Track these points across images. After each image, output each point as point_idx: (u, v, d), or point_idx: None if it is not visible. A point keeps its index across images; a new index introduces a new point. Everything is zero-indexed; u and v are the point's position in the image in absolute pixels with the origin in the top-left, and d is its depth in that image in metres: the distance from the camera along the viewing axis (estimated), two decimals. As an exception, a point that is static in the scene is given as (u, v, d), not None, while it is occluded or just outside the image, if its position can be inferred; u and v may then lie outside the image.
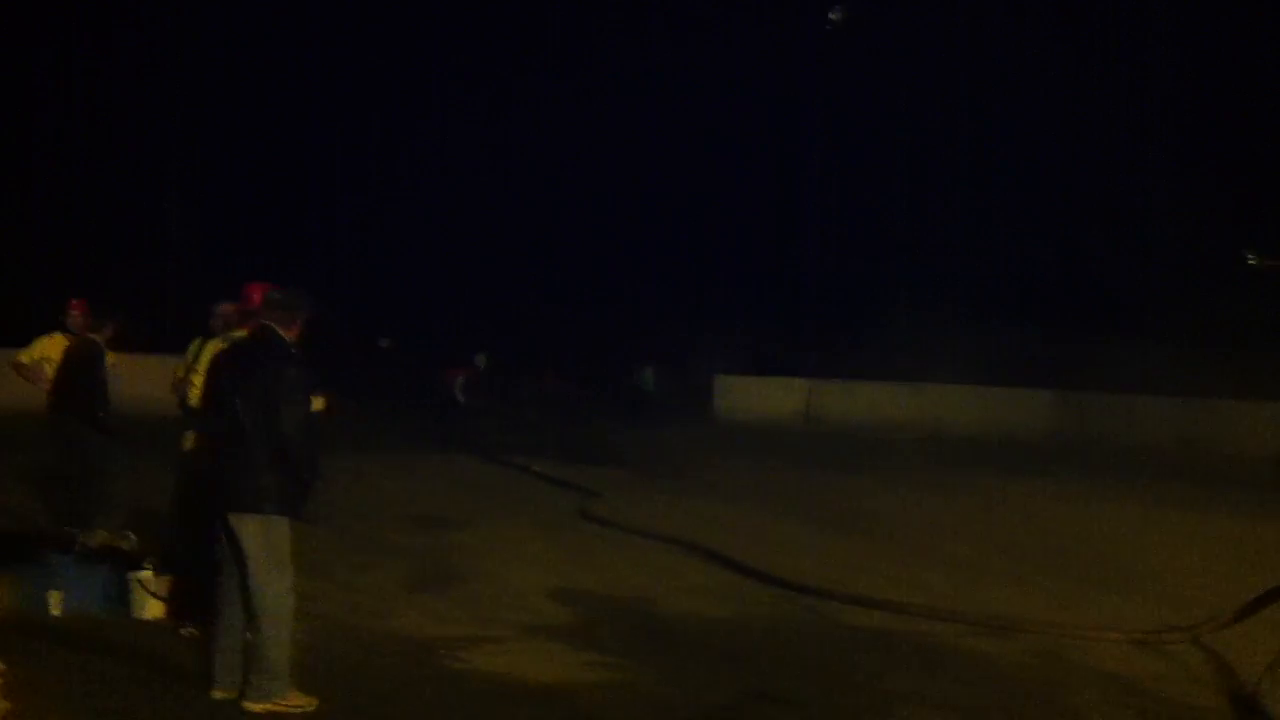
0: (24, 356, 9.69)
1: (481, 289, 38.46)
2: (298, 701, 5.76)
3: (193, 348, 7.74)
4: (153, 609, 7.39)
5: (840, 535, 11.95)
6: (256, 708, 5.70)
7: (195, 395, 7.29)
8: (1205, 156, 28.52)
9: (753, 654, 7.34)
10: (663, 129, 38.21)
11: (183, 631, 7.05)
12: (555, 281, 38.95)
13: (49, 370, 9.57)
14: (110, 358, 9.74)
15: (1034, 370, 26.28)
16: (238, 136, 35.72)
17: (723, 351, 31.71)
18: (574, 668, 6.81)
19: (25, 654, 6.27)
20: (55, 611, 7.35)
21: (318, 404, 7.30)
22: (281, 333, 6.00)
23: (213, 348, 7.44)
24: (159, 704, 5.81)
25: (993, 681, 6.97)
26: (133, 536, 8.32)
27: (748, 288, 36.11)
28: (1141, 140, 29.80)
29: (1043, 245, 30.56)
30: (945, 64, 33.77)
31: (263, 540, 5.76)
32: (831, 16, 30.68)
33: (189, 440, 7.46)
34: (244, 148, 36.00)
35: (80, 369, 9.51)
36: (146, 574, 7.46)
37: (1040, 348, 26.71)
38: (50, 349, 9.67)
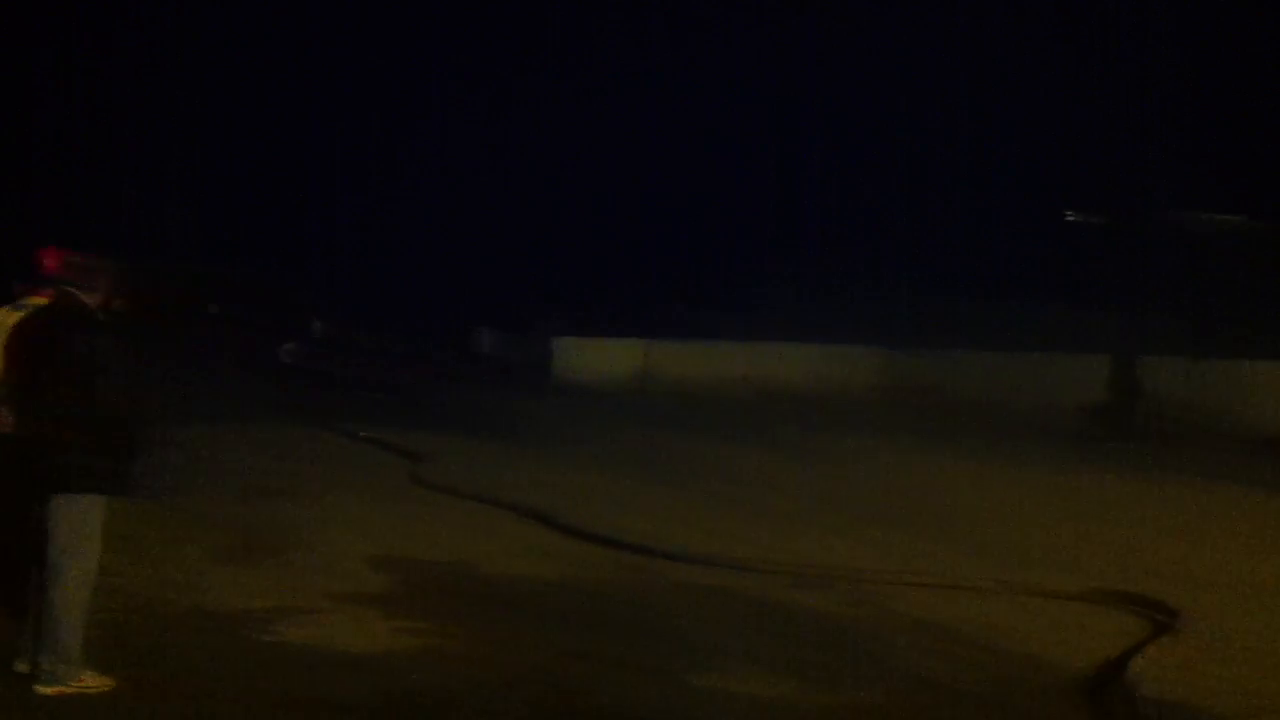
0: None
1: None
2: (92, 683, 5.49)
3: None
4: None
5: (672, 493, 12.02)
6: (48, 691, 5.41)
7: None
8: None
9: (573, 614, 7.30)
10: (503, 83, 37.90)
11: None
12: (395, 246, 38.39)
13: None
14: None
15: (864, 328, 26.82)
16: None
17: (561, 314, 31.67)
18: (387, 635, 6.67)
19: None
20: None
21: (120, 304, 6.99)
22: (84, 299, 5.66)
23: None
24: None
25: (809, 632, 7.08)
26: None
27: (587, 249, 36.05)
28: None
29: (881, 201, 31.10)
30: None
31: (68, 520, 5.48)
32: None
33: None
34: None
35: None
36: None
37: (869, 305, 27.25)
38: None
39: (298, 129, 39.94)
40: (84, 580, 5.50)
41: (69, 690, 5.42)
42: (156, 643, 6.36)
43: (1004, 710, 5.93)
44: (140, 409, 5.63)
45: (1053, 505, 11.90)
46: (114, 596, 6.87)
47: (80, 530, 5.47)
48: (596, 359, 29.12)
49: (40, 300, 6.86)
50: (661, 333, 29.67)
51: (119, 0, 33.40)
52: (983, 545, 9.76)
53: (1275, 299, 20.78)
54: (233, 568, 8.20)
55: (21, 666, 5.55)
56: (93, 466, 5.43)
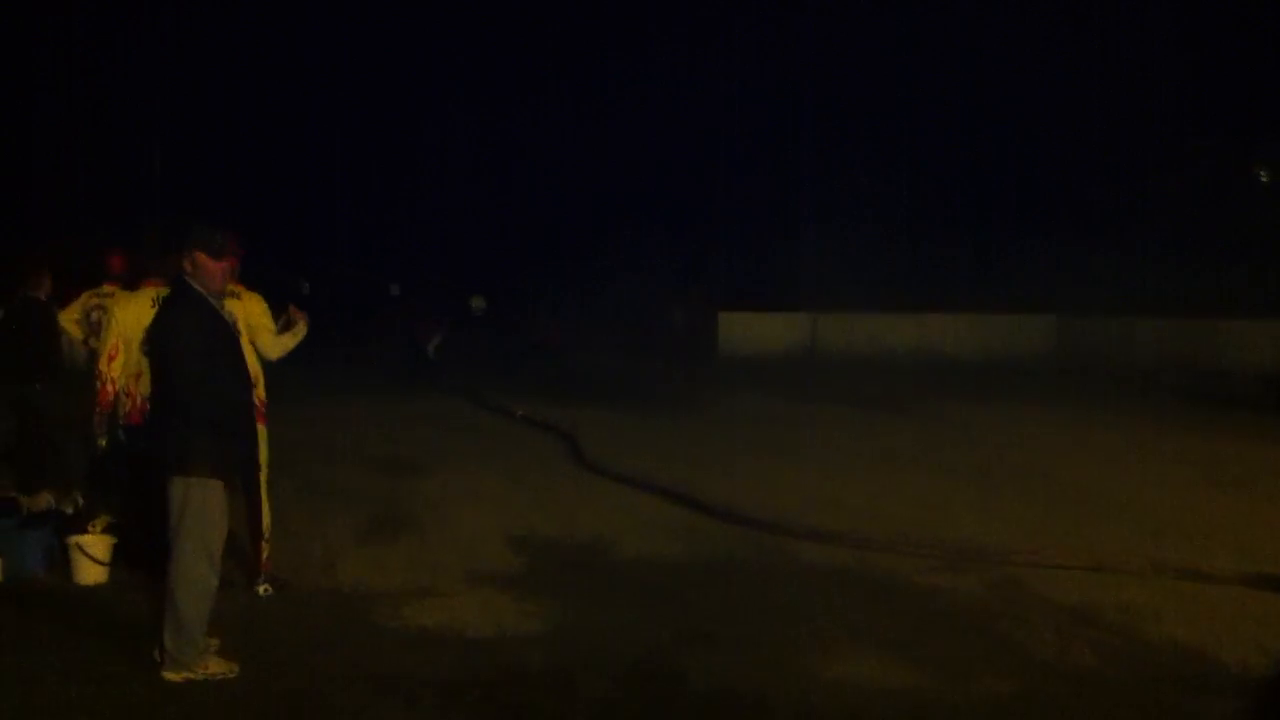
0: None
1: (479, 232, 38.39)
2: (216, 669, 5.61)
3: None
4: (93, 573, 7.29)
5: (821, 470, 11.73)
6: (174, 677, 5.55)
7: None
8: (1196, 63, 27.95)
9: (702, 595, 7.17)
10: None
11: (259, 590, 6.98)
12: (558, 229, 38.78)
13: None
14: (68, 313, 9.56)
15: (1032, 293, 26.01)
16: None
17: (725, 288, 31.47)
18: (513, 617, 6.66)
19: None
20: (-3, 577, 7.27)
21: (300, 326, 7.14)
22: (185, 278, 5.70)
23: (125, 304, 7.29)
24: (87, 668, 5.69)
25: (940, 617, 6.79)
26: (80, 499, 8.18)
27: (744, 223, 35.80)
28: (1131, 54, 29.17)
29: (1036, 160, 30.12)
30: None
31: (181, 502, 5.58)
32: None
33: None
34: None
35: (26, 330, 9.36)
36: (88, 538, 7.35)
37: (1038, 269, 26.40)
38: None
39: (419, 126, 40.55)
40: (199, 561, 5.58)
41: (194, 677, 5.53)
42: (288, 623, 6.50)
43: (1153, 706, 5.54)
44: (245, 393, 5.67)
45: (1219, 481, 11.21)
46: (254, 577, 7.07)
47: (189, 510, 5.56)
48: (762, 332, 28.85)
49: (150, 289, 7.09)
50: (827, 304, 29.21)
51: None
52: (1138, 523, 9.24)
53: None
54: (372, 546, 8.34)
55: (157, 654, 5.70)
56: (199, 448, 5.51)
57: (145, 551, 7.29)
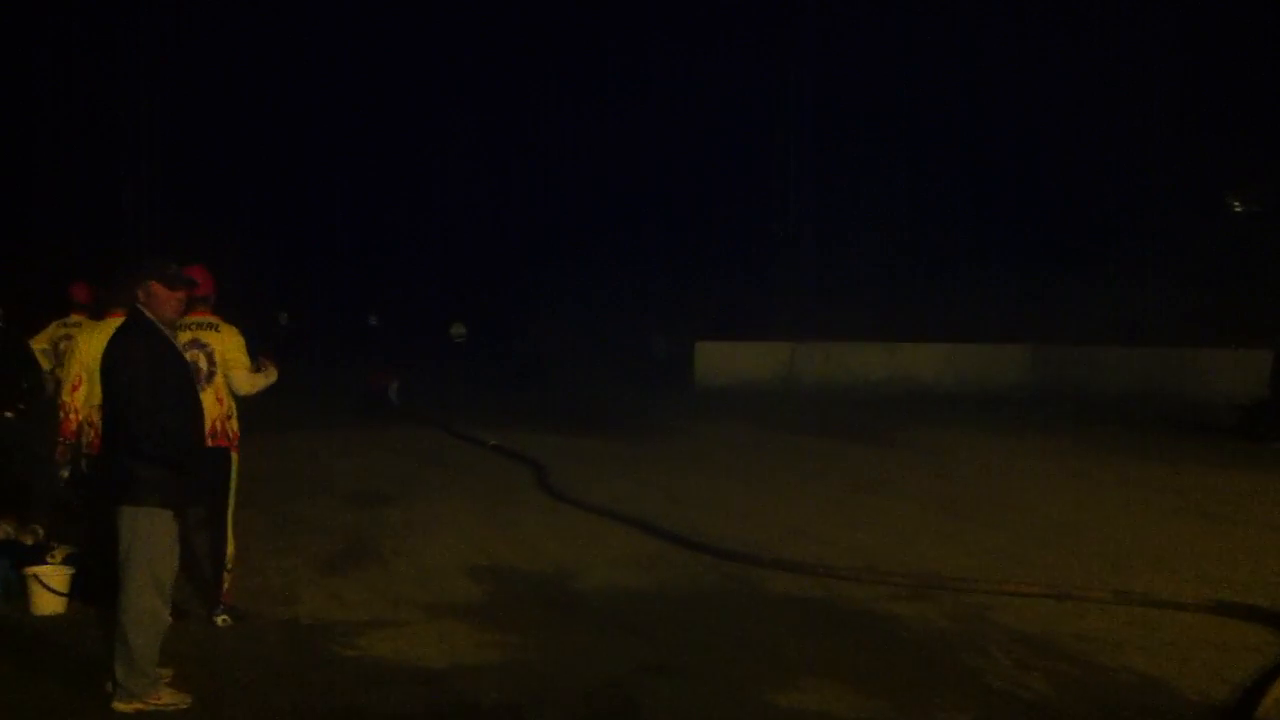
0: None
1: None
2: (168, 699, 5.57)
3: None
4: (51, 604, 7.23)
5: (790, 499, 11.77)
6: (125, 708, 5.51)
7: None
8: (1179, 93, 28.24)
9: (662, 626, 7.14)
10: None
11: (217, 620, 6.96)
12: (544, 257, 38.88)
13: None
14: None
15: (1005, 322, 26.15)
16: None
17: (704, 317, 31.50)
18: (471, 648, 6.63)
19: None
20: (-47, 608, 7.21)
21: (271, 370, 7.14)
22: (137, 309, 5.71)
23: (88, 335, 7.31)
24: (40, 701, 5.67)
25: (900, 646, 6.78)
26: (40, 530, 8.13)
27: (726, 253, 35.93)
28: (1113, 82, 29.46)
29: (1011, 191, 30.36)
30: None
31: (129, 532, 5.56)
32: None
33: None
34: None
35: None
36: (45, 569, 7.31)
37: (1010, 298, 26.56)
38: None
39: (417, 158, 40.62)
40: (148, 591, 5.55)
41: (145, 708, 5.49)
42: (244, 654, 6.46)
43: (1107, 736, 5.54)
44: (180, 420, 5.63)
45: (1185, 509, 11.25)
46: (212, 608, 7.03)
47: (137, 541, 5.53)
48: (739, 361, 28.84)
49: (114, 319, 7.09)
50: (805, 334, 29.25)
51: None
52: (1103, 551, 9.26)
53: None
54: (334, 577, 8.30)
55: (111, 686, 5.65)
56: (146, 478, 5.49)
57: (105, 583, 7.26)
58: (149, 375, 5.54)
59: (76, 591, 7.28)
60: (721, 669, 6.28)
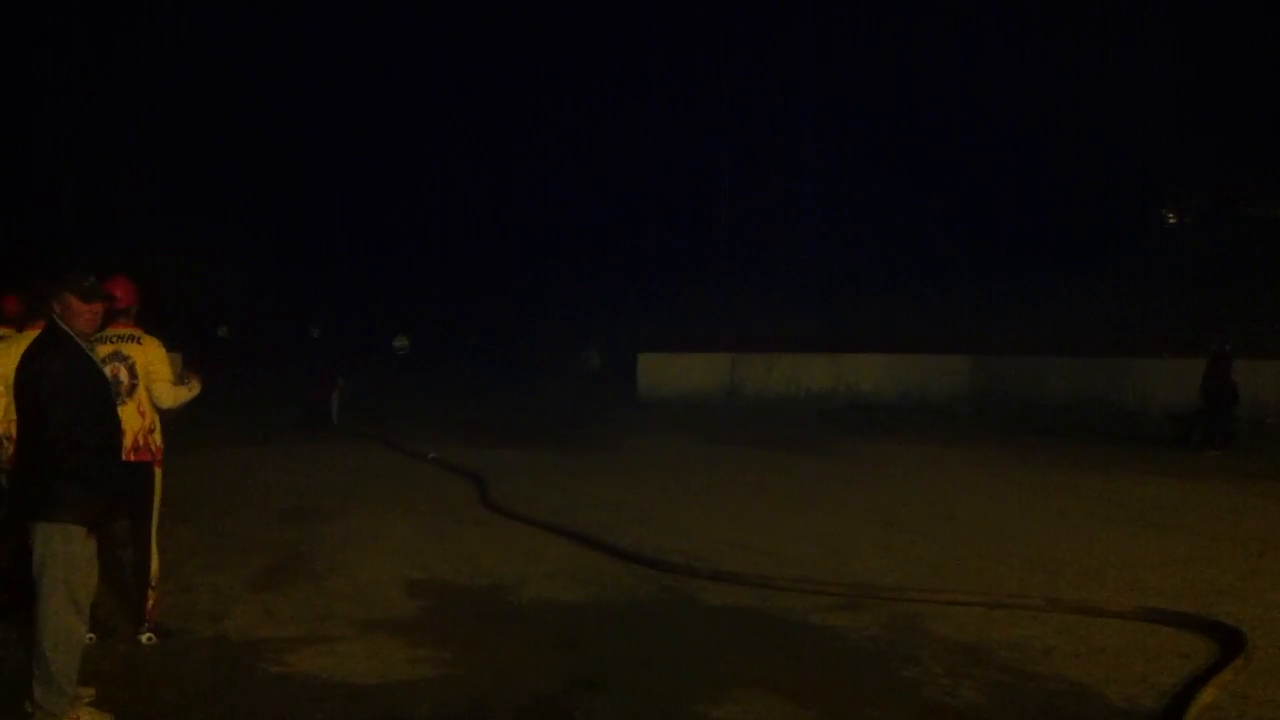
0: None
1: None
2: (88, 718, 5.45)
3: None
4: (-26, 620, 7.08)
5: (729, 512, 11.76)
6: None
7: None
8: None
9: (596, 639, 7.09)
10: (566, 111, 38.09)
11: (142, 638, 6.82)
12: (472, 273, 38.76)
13: None
14: None
15: (946, 333, 26.41)
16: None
17: (646, 328, 31.54)
18: (403, 664, 6.55)
19: None
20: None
21: (194, 383, 7.02)
22: (53, 321, 5.61)
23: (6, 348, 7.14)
24: None
25: (835, 656, 6.78)
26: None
27: (666, 265, 35.99)
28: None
29: (952, 203, 30.66)
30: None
31: (44, 550, 5.43)
32: None
33: None
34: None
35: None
36: (-33, 584, 7.15)
37: (950, 309, 26.83)
38: None
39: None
40: (64, 609, 5.42)
41: None
42: (170, 673, 6.34)
43: (1040, 743, 5.57)
44: (95, 434, 5.52)
45: (1118, 518, 11.39)
46: (138, 626, 6.90)
47: (52, 558, 5.41)
48: (682, 373, 28.89)
49: (35, 331, 6.95)
50: (746, 345, 29.33)
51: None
52: (1038, 560, 9.34)
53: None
54: (265, 594, 8.17)
55: (29, 706, 5.51)
56: (61, 493, 5.38)
57: (25, 600, 7.11)
58: (64, 389, 5.43)
59: (-3, 608, 7.13)
60: (657, 682, 6.24)
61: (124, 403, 6.51)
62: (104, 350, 6.39)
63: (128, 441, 6.43)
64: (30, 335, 6.98)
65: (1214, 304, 23.96)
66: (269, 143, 39.43)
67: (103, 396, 5.64)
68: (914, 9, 31.80)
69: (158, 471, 6.97)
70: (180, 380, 7.07)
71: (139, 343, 6.93)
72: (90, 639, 6.22)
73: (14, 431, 6.88)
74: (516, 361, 31.99)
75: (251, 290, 38.14)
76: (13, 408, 6.85)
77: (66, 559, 5.41)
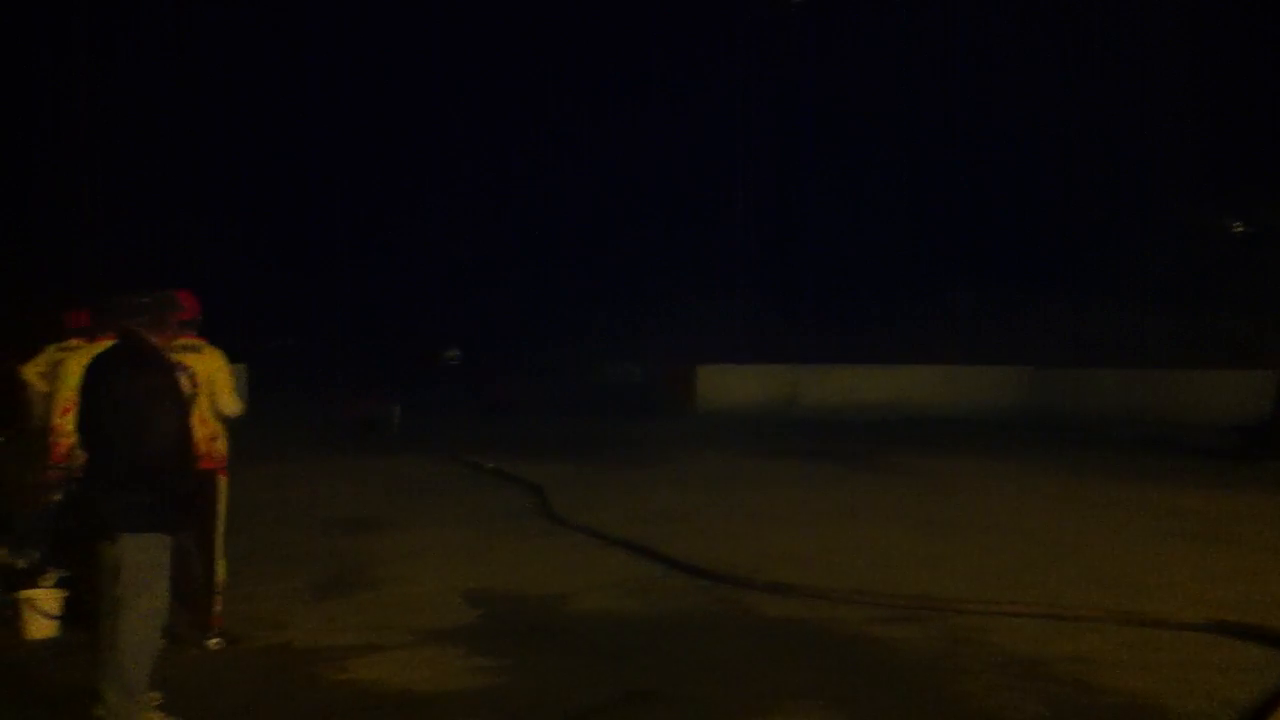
0: None
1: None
2: None
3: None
4: (43, 628, 7.23)
5: (784, 524, 11.75)
6: None
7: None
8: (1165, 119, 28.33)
9: (650, 650, 7.10)
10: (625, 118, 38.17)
11: (209, 644, 6.93)
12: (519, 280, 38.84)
13: None
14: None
15: (1002, 345, 26.22)
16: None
17: (704, 341, 31.52)
18: (457, 673, 6.60)
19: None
20: (-54, 634, 7.21)
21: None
22: (152, 339, 5.77)
23: (79, 359, 7.31)
24: None
25: (892, 669, 6.74)
26: (35, 554, 8.11)
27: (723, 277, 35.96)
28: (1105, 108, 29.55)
29: (1010, 216, 30.45)
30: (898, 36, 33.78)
31: (132, 556, 5.55)
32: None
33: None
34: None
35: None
36: (38, 592, 7.30)
37: (1007, 322, 26.63)
38: None
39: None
40: (147, 618, 5.54)
41: None
42: (234, 678, 6.44)
43: (1098, 758, 5.51)
44: (181, 444, 5.64)
45: (1181, 531, 11.22)
46: (204, 631, 7.01)
47: (142, 569, 5.52)
48: (742, 386, 28.88)
49: (107, 341, 7.12)
50: (807, 358, 29.27)
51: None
52: (1098, 573, 9.23)
53: None
54: (327, 602, 8.28)
55: (99, 712, 5.62)
56: (149, 505, 5.49)
57: (96, 607, 7.25)
58: (155, 401, 5.55)
59: (68, 615, 7.27)
60: (710, 694, 6.25)
61: None
62: None
63: None
64: (101, 347, 7.18)
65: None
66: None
67: (182, 406, 5.77)
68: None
69: (222, 479, 7.10)
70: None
71: (200, 352, 7.07)
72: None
73: (85, 440, 7.07)
74: (550, 374, 32.08)
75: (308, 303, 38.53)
76: None
77: (149, 569, 5.53)
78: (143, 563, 5.53)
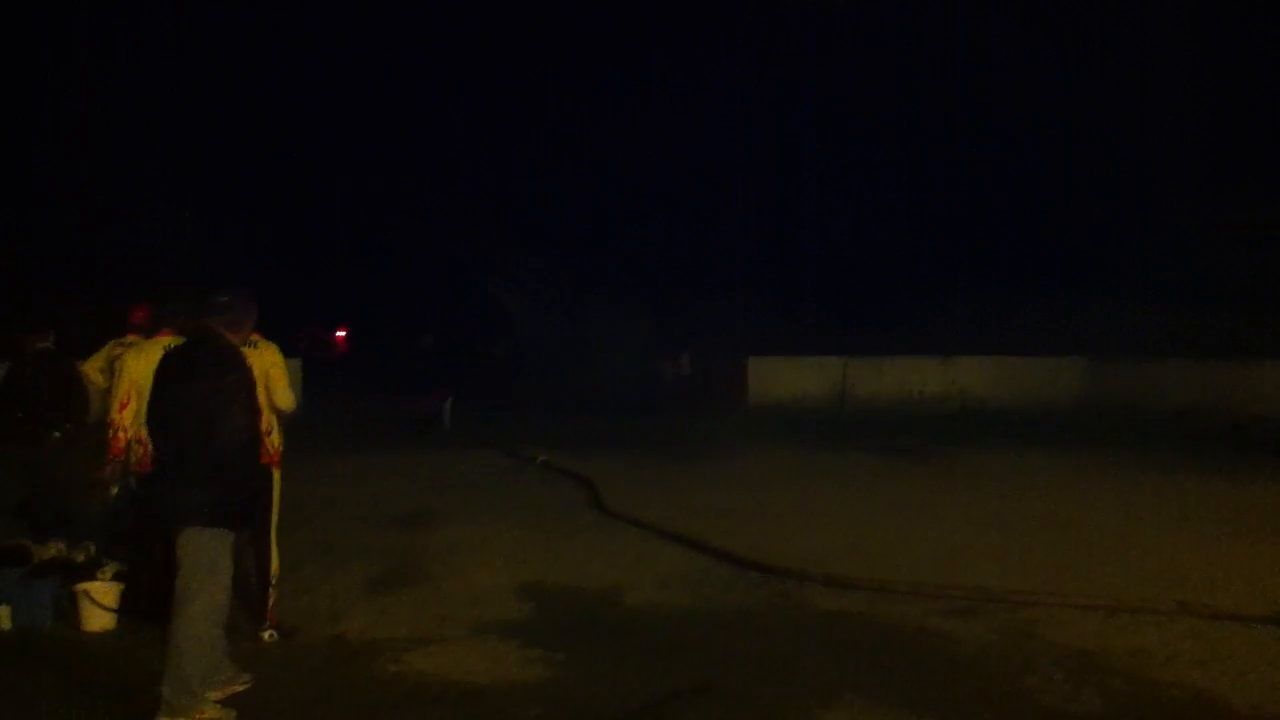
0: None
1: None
2: (213, 715, 5.60)
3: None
4: (100, 620, 7.30)
5: (839, 517, 11.65)
6: None
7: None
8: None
9: (706, 644, 7.08)
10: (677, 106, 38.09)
11: (264, 636, 7.02)
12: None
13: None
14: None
15: (1063, 336, 25.94)
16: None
17: (753, 333, 31.40)
18: (513, 666, 6.61)
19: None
20: (5, 625, 7.30)
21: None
22: (228, 336, 5.84)
23: (137, 354, 7.39)
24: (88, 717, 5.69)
25: (950, 662, 6.68)
26: (93, 548, 8.21)
27: (772, 267, 35.79)
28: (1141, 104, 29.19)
29: (1068, 204, 30.10)
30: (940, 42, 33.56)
31: (195, 552, 5.60)
32: None
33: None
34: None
35: (38, 381, 9.45)
36: (95, 585, 7.38)
37: (1065, 312, 26.33)
38: None
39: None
40: (208, 613, 5.60)
41: None
42: (290, 671, 6.47)
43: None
44: (259, 447, 5.71)
45: (1242, 526, 11.03)
46: (259, 624, 7.06)
47: (207, 563, 5.58)
48: (793, 378, 28.71)
49: (177, 339, 7.22)
50: (858, 350, 29.06)
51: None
52: (1157, 567, 9.09)
53: None
54: (381, 596, 8.31)
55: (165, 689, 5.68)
56: (218, 501, 5.54)
57: (153, 599, 7.33)
58: (232, 397, 5.61)
59: (126, 607, 7.35)
60: (767, 688, 6.21)
61: None
62: None
63: None
64: (160, 342, 7.28)
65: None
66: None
67: (258, 406, 5.83)
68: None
69: (276, 473, 7.14)
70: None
71: (255, 347, 7.11)
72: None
73: (144, 435, 7.15)
74: (602, 368, 32.04)
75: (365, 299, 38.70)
76: (144, 411, 7.13)
77: (216, 564, 5.61)
78: (203, 560, 5.59)
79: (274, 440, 7.15)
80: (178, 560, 5.63)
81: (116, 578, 7.48)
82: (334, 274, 38.58)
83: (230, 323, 5.88)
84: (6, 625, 7.30)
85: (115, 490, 7.57)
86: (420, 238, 38.60)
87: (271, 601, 7.15)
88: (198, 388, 5.61)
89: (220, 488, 5.55)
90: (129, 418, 7.36)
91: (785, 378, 28.59)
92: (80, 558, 8.04)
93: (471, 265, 38.30)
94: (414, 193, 39.87)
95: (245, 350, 7.07)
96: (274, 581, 7.16)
